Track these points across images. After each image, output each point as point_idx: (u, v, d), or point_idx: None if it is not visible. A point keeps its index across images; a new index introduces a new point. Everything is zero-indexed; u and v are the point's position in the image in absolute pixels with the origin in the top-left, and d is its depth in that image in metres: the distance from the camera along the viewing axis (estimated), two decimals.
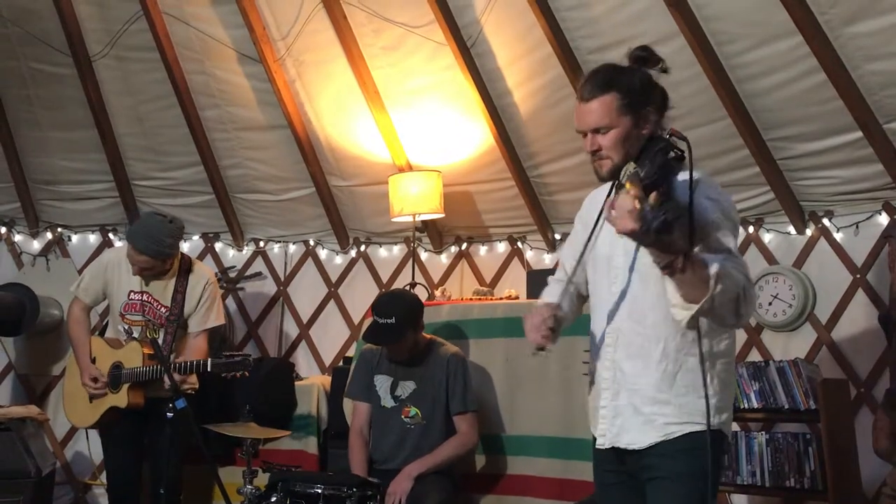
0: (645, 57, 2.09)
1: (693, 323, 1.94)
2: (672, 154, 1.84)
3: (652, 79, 2.14)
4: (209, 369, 3.62)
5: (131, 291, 3.91)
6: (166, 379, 3.52)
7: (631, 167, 1.87)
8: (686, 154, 1.86)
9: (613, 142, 2.10)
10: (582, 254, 2.27)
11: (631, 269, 2.17)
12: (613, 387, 2.20)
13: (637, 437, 2.15)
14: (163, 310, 3.89)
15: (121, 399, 3.77)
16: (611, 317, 2.22)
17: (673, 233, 1.75)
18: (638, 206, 1.72)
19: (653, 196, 1.73)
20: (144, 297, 3.91)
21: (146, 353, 3.75)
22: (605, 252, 2.24)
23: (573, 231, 2.51)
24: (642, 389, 2.15)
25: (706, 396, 2.04)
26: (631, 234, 1.78)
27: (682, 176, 1.86)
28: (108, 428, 3.91)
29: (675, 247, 1.82)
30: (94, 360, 3.90)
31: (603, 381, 2.23)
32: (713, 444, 2.08)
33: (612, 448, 2.21)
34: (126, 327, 3.86)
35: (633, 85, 2.10)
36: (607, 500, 2.33)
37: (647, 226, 1.71)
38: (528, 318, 2.21)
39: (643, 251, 2.06)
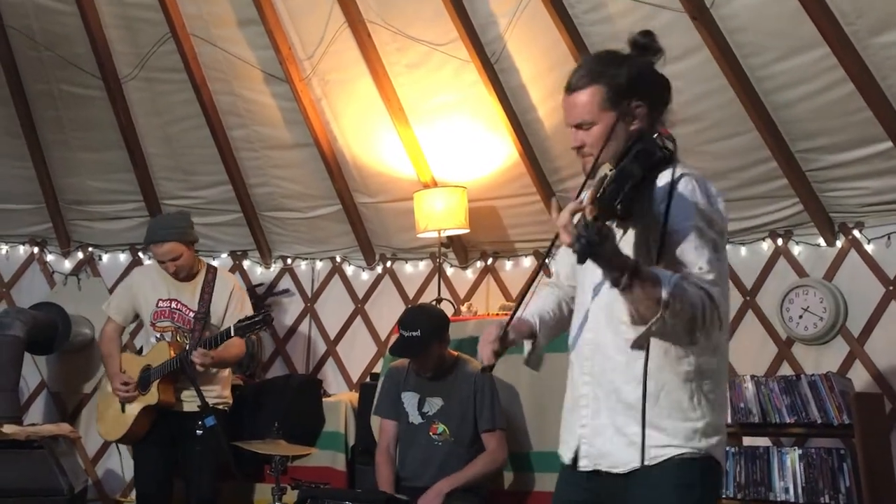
0: (645, 44, 1.87)
1: (641, 343, 1.76)
2: (658, 155, 1.73)
3: (649, 69, 1.92)
4: (233, 334, 3.63)
5: (160, 300, 3.97)
6: (195, 357, 3.59)
7: (607, 169, 1.78)
8: (673, 152, 1.73)
9: (595, 138, 1.93)
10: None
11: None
12: (594, 404, 1.99)
13: (618, 459, 1.93)
14: (191, 314, 3.94)
15: (151, 397, 3.80)
16: (590, 328, 2.01)
17: (603, 251, 1.59)
18: (574, 219, 1.61)
19: (588, 210, 1.61)
20: (173, 305, 3.97)
21: (173, 348, 3.79)
22: None
23: None
24: (624, 409, 1.92)
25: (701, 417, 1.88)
26: (570, 248, 1.63)
27: (666, 177, 1.77)
28: (138, 444, 3.94)
29: (617, 263, 1.66)
30: (123, 372, 3.94)
31: (582, 398, 2.01)
32: (704, 472, 1.91)
33: (594, 471, 1.98)
34: (158, 336, 3.94)
35: (620, 77, 1.90)
36: None
37: (575, 243, 1.58)
38: (483, 333, 2.05)
39: None
